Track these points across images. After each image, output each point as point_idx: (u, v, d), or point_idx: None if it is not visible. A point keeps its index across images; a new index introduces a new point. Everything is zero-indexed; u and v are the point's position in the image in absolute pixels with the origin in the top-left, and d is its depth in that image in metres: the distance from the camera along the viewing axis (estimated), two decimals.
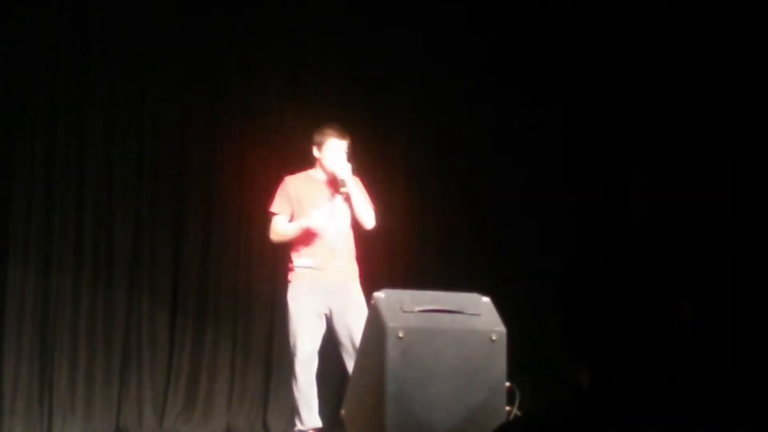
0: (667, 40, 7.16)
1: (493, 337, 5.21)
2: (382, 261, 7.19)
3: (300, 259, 6.19)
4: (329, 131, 6.26)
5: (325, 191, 6.28)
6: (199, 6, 7.44)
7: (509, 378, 5.31)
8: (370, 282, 6.13)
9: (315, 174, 6.34)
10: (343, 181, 6.15)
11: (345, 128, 6.31)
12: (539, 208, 7.61)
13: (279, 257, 7.48)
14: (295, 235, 6.18)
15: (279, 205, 6.27)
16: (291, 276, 6.23)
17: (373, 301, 5.20)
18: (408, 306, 5.19)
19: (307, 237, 6.18)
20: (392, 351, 5.03)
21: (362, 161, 6.47)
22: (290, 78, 7.62)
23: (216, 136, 7.46)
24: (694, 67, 6.97)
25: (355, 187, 6.22)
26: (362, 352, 5.33)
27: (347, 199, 6.22)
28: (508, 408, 5.24)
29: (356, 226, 6.28)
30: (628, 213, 7.24)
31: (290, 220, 6.26)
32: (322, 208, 6.21)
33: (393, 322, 5.08)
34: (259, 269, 7.44)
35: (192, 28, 7.40)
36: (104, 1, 7.23)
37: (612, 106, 7.70)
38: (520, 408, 5.47)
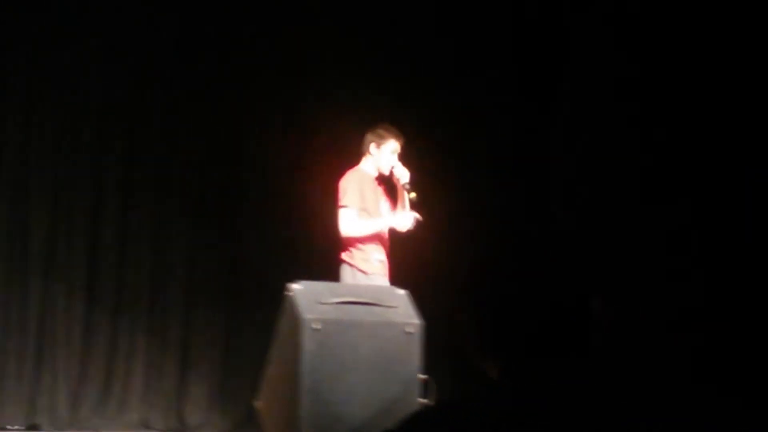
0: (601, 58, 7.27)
1: (409, 330, 5.24)
2: None
3: (375, 254, 6.21)
4: (389, 133, 6.34)
5: (377, 187, 6.36)
6: None
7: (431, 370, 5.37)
8: None
9: (367, 170, 6.36)
10: (408, 186, 6.24)
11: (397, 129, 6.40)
12: (458, 200, 7.67)
13: (196, 249, 7.47)
14: (371, 234, 6.22)
15: (353, 199, 6.21)
16: (368, 267, 6.18)
17: (289, 293, 5.19)
18: (325, 298, 5.20)
19: (380, 234, 6.25)
20: (308, 342, 5.04)
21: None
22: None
23: (135, 126, 7.38)
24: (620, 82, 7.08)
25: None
26: (278, 344, 5.32)
27: (392, 200, 6.35)
28: (422, 400, 5.27)
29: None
30: (544, 209, 7.30)
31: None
32: (392, 211, 6.33)
33: (309, 313, 5.08)
34: (176, 261, 7.38)
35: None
36: None
37: (538, 112, 7.81)
38: (436, 400, 5.50)
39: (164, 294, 7.37)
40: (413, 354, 5.25)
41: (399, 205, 6.37)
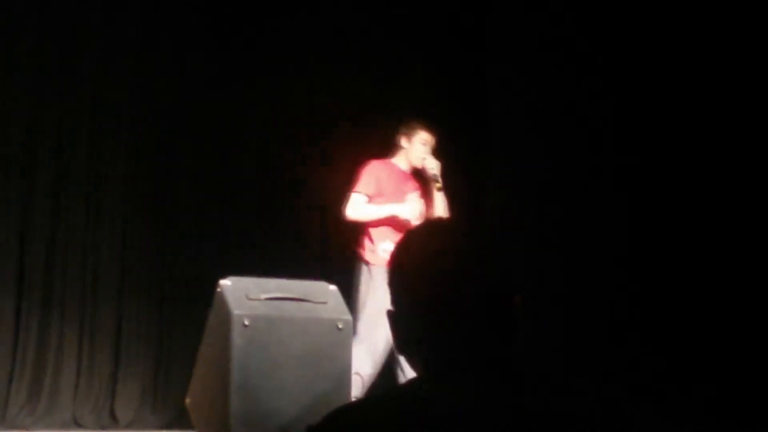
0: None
1: (339, 326, 5.23)
2: None
3: (383, 244, 6.15)
4: (420, 125, 6.36)
5: (407, 181, 6.37)
6: None
7: None
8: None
9: (397, 162, 6.40)
10: (437, 177, 6.24)
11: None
12: None
13: (128, 244, 7.40)
14: (375, 219, 6.20)
15: (364, 186, 6.24)
16: (372, 258, 6.17)
17: (218, 289, 5.15)
18: (254, 294, 5.17)
19: (392, 223, 6.20)
20: (238, 339, 5.00)
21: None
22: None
23: (61, 126, 7.28)
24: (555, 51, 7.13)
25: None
26: (208, 340, 5.28)
27: (426, 194, 6.33)
28: (353, 396, 5.27)
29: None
30: (473, 212, 7.33)
31: (369, 203, 6.27)
32: (411, 201, 6.28)
33: (238, 309, 5.05)
34: (108, 256, 7.31)
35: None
36: None
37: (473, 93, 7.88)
38: (366, 396, 5.50)
39: (96, 290, 7.29)
40: (344, 350, 5.24)
41: (431, 199, 6.39)
